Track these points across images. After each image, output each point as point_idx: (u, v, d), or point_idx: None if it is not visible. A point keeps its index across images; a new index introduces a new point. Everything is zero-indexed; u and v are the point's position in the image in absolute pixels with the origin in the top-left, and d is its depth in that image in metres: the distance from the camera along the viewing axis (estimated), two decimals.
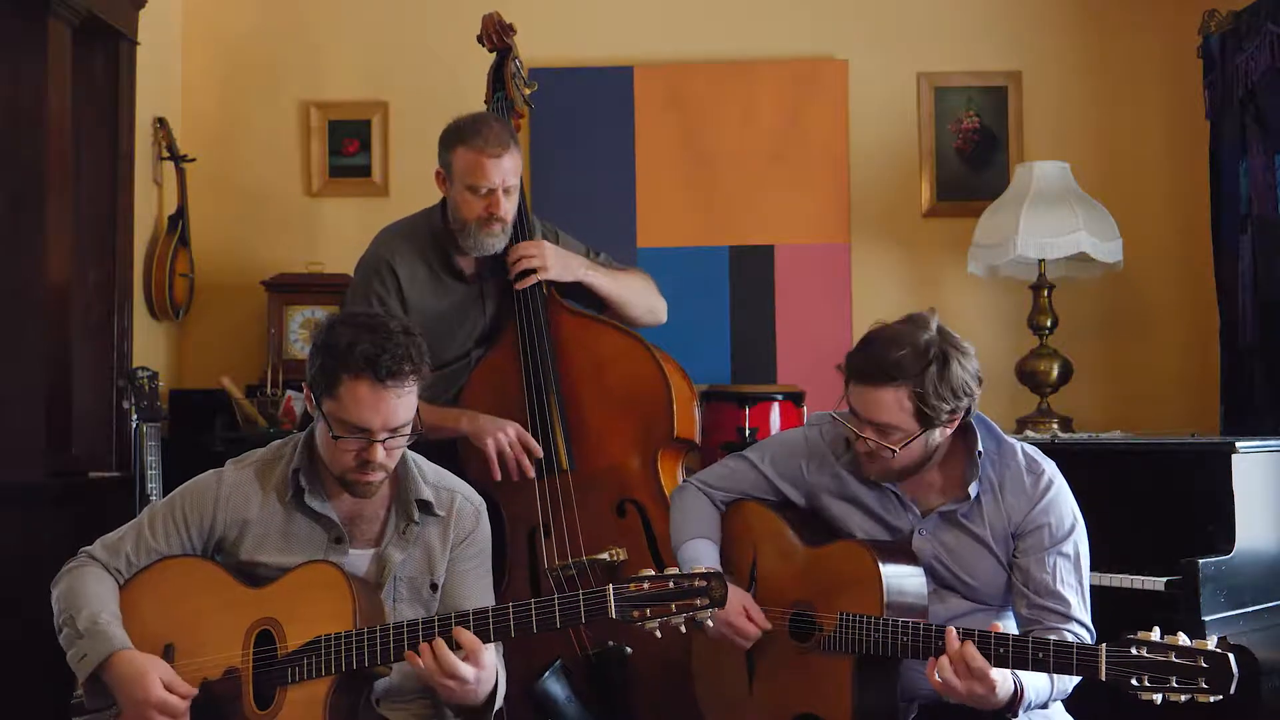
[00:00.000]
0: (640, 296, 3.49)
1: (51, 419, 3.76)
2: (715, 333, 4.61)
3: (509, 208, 3.25)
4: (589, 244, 3.56)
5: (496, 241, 3.28)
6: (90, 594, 2.41)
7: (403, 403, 2.39)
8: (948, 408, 2.46)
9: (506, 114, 3.51)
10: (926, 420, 2.46)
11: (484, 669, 2.32)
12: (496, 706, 2.43)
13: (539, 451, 3.21)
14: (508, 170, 3.22)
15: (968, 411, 2.52)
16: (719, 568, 2.68)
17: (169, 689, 2.32)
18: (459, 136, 3.24)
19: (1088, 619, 2.50)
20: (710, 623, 2.32)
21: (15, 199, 3.74)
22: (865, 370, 2.47)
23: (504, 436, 3.17)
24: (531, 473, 3.20)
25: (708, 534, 2.77)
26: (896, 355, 2.44)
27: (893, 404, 2.44)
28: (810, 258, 4.63)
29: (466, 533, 2.57)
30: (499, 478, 3.17)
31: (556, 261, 3.34)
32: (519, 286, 3.30)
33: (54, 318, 3.80)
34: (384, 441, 2.38)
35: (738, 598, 2.61)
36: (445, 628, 2.32)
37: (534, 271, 3.30)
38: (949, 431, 2.53)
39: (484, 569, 2.62)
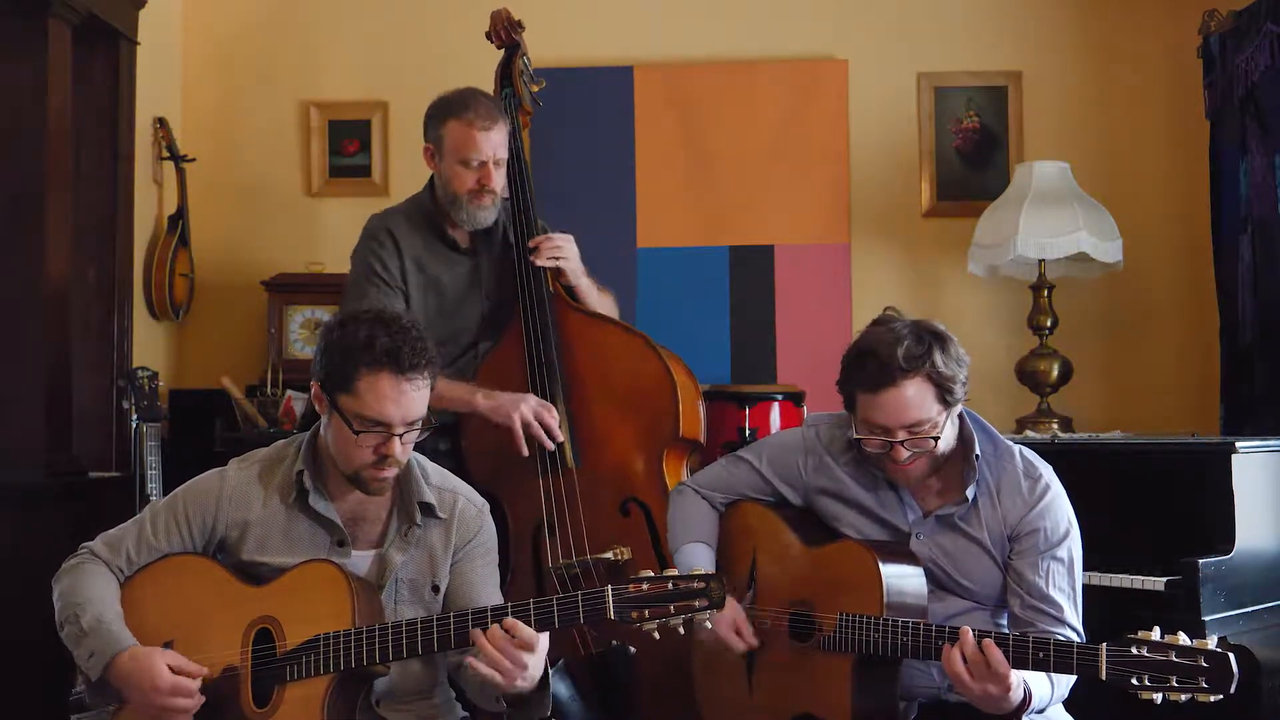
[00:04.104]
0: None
1: (51, 419, 3.76)
2: (715, 333, 4.61)
3: (499, 180, 3.30)
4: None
5: (488, 214, 3.32)
6: (92, 593, 2.41)
7: (420, 396, 2.40)
8: (960, 379, 2.48)
9: (514, 111, 3.52)
10: (948, 398, 2.47)
11: (539, 658, 2.30)
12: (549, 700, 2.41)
13: (556, 423, 3.21)
14: (498, 143, 3.28)
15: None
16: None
17: (178, 672, 2.32)
18: (448, 110, 3.28)
19: (1079, 624, 2.50)
20: (709, 623, 2.32)
21: (15, 199, 3.75)
22: (880, 377, 2.45)
23: (527, 409, 3.18)
24: (551, 446, 3.21)
25: (704, 539, 2.77)
26: (901, 350, 2.44)
27: (918, 396, 2.45)
28: (810, 258, 4.63)
29: (471, 534, 2.57)
30: (526, 453, 3.18)
31: (576, 261, 3.39)
32: (535, 261, 3.33)
33: (54, 318, 3.80)
34: (401, 435, 2.39)
35: (731, 611, 2.63)
36: (444, 627, 2.32)
37: (556, 260, 3.35)
38: (958, 410, 2.53)
39: (492, 569, 2.62)
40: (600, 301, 3.47)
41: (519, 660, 2.27)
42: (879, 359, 2.45)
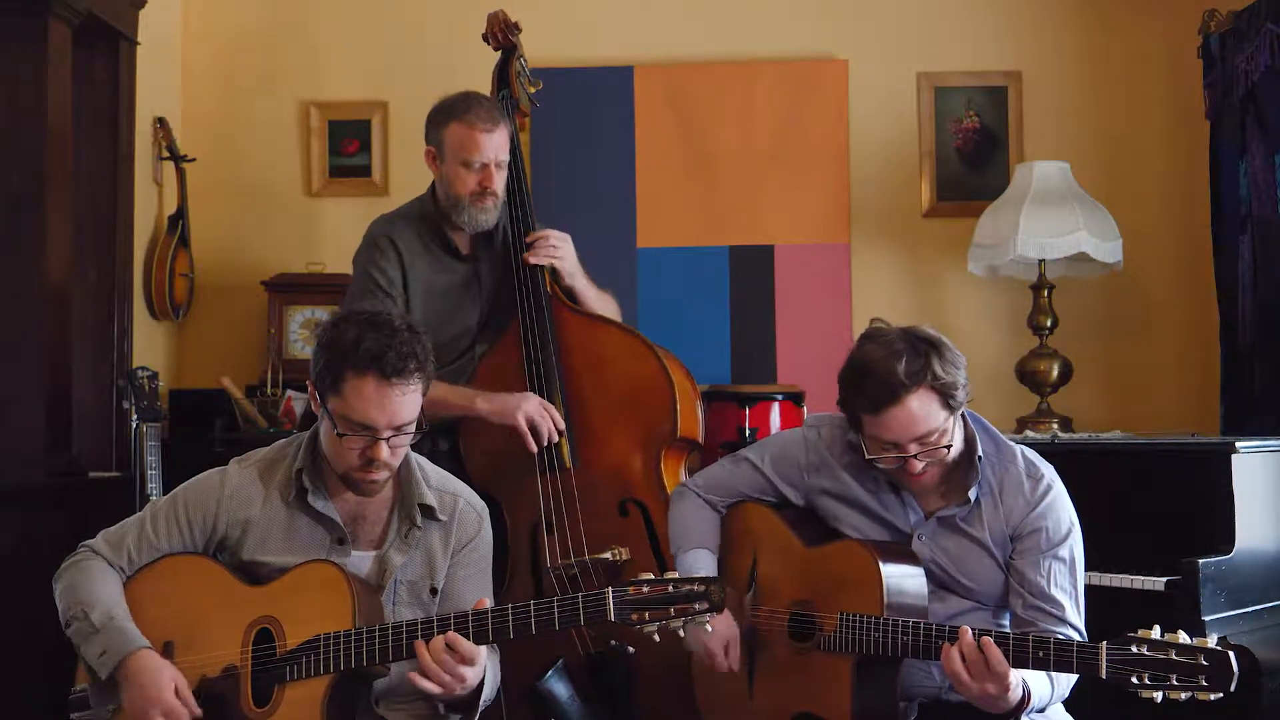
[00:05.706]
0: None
1: (51, 419, 3.75)
2: (715, 333, 4.61)
3: (500, 182, 3.32)
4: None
5: (489, 216, 3.34)
6: (99, 590, 2.41)
7: (407, 400, 2.38)
8: (961, 381, 2.47)
9: (511, 112, 3.53)
10: (952, 404, 2.46)
11: (478, 669, 2.33)
12: (485, 698, 2.44)
13: (560, 420, 3.22)
14: (499, 145, 3.29)
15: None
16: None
17: (179, 697, 2.33)
18: (450, 113, 3.30)
19: (1081, 623, 2.50)
20: (709, 627, 2.32)
21: (15, 199, 3.74)
22: (883, 395, 2.43)
23: (531, 407, 3.19)
24: (557, 436, 3.21)
25: (706, 544, 2.76)
26: (900, 365, 2.42)
27: (923, 408, 2.43)
28: (810, 258, 4.63)
29: (469, 538, 2.57)
30: (535, 449, 3.19)
31: (572, 261, 3.40)
32: (529, 261, 3.33)
33: (54, 318, 3.79)
34: (389, 439, 2.38)
35: (725, 628, 2.62)
36: (444, 628, 2.32)
37: (551, 258, 3.35)
38: (961, 412, 2.53)
39: (484, 574, 2.62)
40: (600, 302, 3.47)
41: (458, 674, 2.30)
42: (877, 378, 2.43)
